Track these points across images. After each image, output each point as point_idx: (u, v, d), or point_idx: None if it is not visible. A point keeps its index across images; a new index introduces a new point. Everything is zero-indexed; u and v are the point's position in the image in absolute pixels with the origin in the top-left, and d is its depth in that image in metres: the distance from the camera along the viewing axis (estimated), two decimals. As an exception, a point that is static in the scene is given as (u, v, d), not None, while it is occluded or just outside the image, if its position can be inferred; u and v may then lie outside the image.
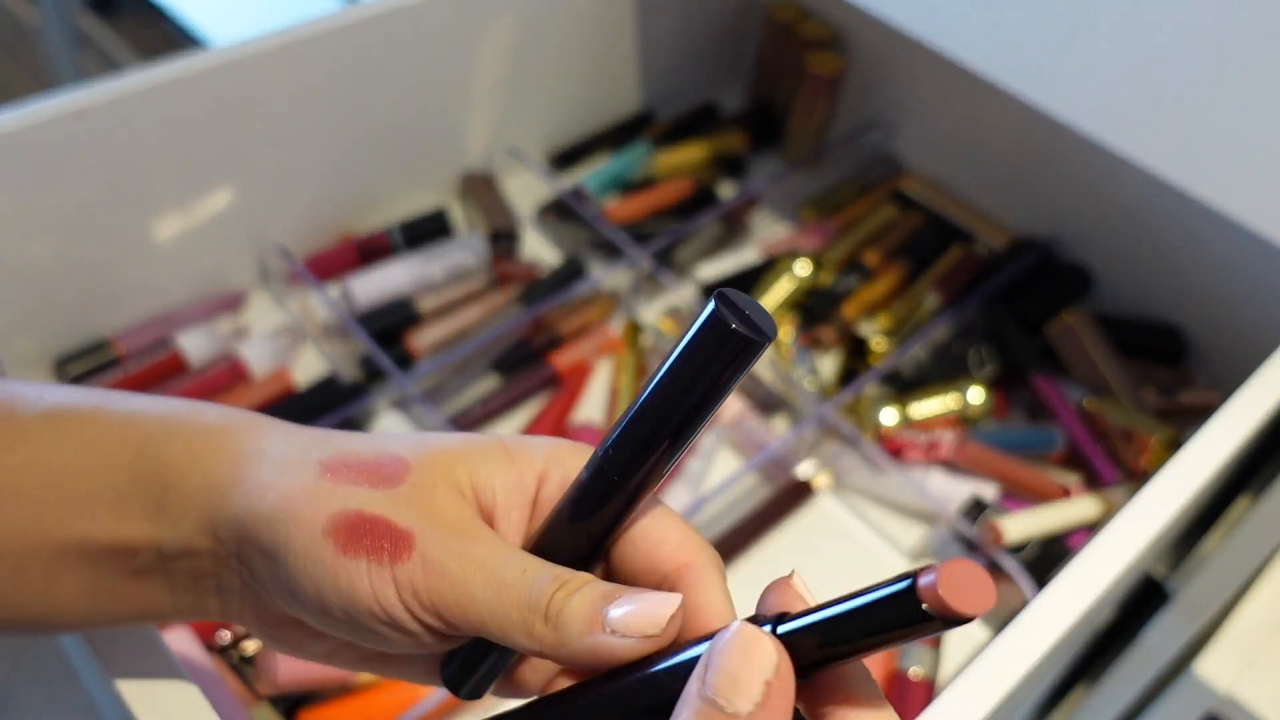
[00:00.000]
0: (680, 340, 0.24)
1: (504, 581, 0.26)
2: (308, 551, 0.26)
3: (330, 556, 0.26)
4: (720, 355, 0.24)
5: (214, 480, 0.28)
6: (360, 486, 0.27)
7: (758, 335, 0.23)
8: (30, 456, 0.28)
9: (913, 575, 0.21)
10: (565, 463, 0.29)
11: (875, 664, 0.56)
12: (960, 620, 0.20)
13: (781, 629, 0.23)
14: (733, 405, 0.67)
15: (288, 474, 0.28)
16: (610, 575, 0.29)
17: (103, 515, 0.28)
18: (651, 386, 0.25)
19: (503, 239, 0.72)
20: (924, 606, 0.20)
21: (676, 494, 0.62)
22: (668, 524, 0.28)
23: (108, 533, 0.28)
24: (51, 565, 0.29)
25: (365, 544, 0.26)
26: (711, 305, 0.23)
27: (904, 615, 0.21)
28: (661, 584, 0.28)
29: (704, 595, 0.27)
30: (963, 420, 0.67)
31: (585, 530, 0.27)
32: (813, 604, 0.23)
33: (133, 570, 0.29)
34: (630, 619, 0.25)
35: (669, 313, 0.72)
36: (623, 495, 0.27)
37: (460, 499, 0.28)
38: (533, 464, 0.29)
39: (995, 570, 0.59)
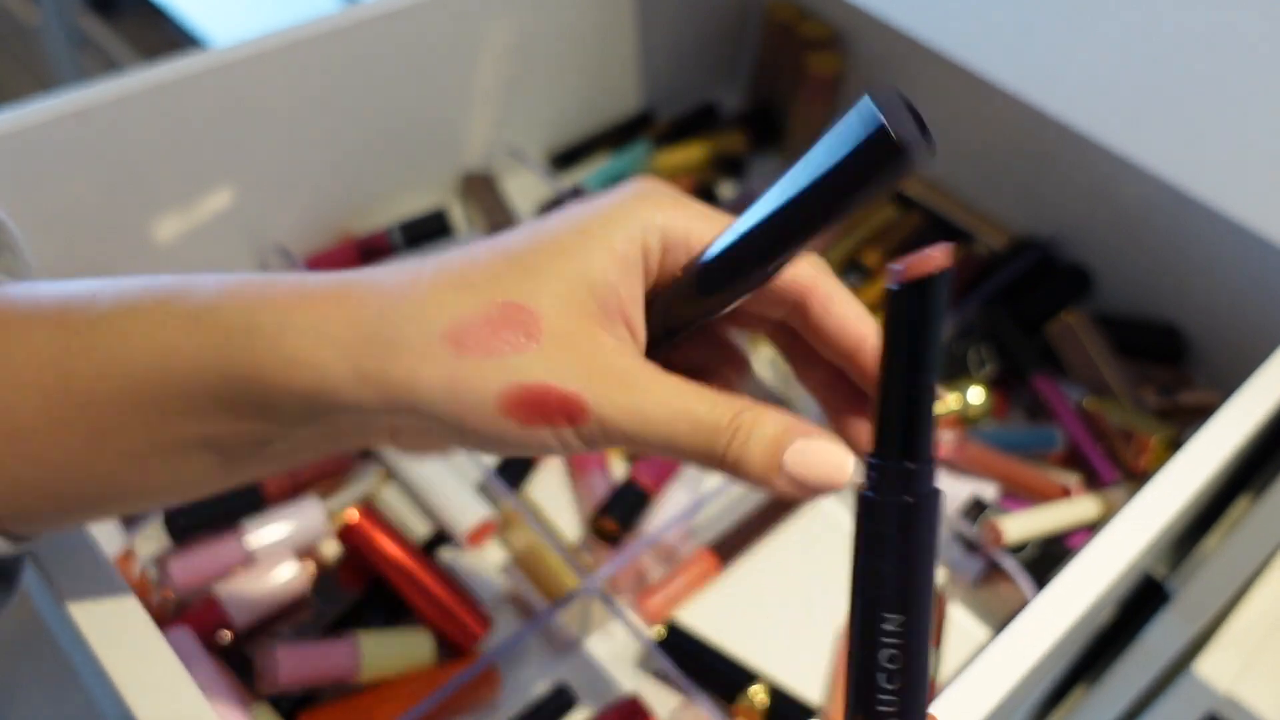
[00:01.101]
0: (833, 137, 0.23)
1: (677, 436, 0.27)
2: (487, 428, 0.27)
3: (515, 430, 0.27)
4: (880, 167, 0.22)
5: (334, 384, 0.27)
6: (506, 356, 0.27)
7: (923, 139, 0.22)
8: (109, 361, 0.27)
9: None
10: (655, 219, 0.29)
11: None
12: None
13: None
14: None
15: (426, 362, 0.27)
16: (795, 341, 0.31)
17: (211, 416, 0.28)
18: (805, 181, 0.24)
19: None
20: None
21: (676, 494, 0.62)
22: (850, 303, 0.30)
23: (225, 429, 0.28)
24: (174, 461, 0.28)
25: (543, 415, 0.27)
26: (873, 114, 0.22)
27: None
28: (795, 308, 0.30)
29: (840, 310, 0.29)
30: (962, 420, 0.67)
31: (718, 299, 0.28)
32: None
33: (261, 443, 0.29)
34: (805, 476, 0.26)
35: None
36: (764, 271, 0.27)
37: (596, 326, 0.28)
38: (629, 237, 0.29)
39: (995, 570, 0.59)
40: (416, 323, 0.27)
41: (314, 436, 0.31)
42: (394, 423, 0.31)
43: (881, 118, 0.21)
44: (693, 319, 0.29)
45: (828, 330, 0.30)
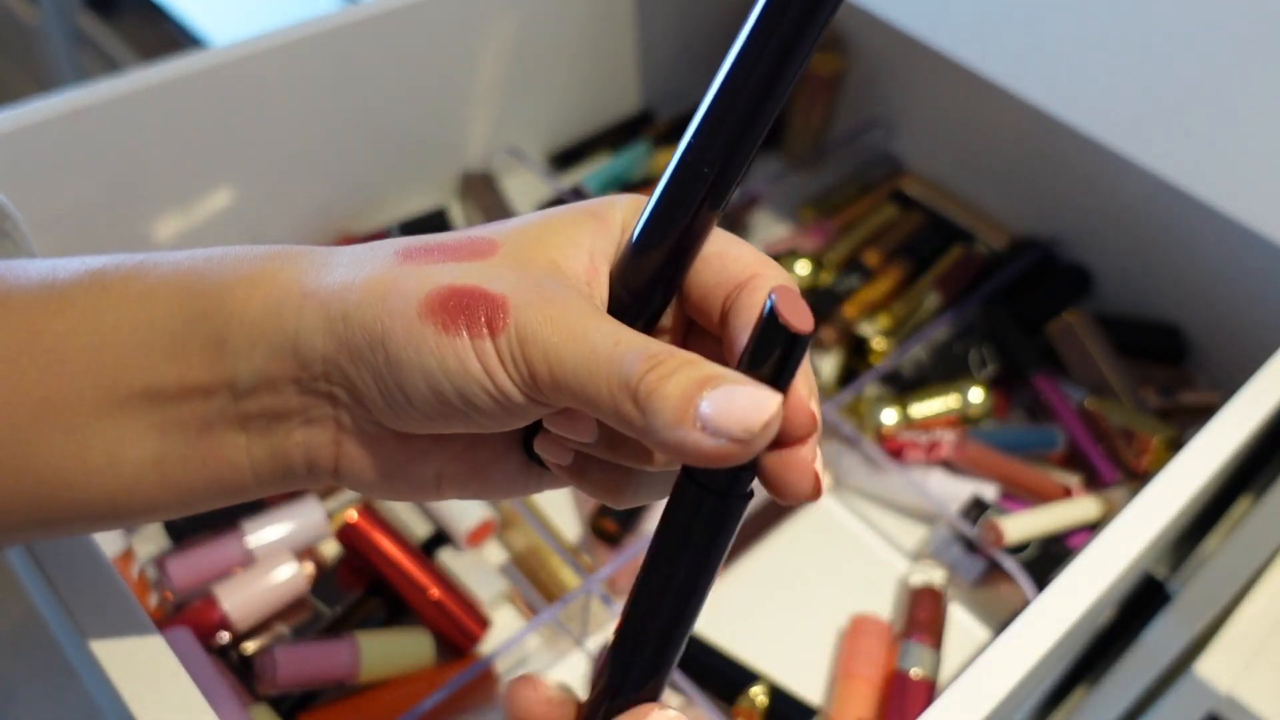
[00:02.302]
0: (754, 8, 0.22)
1: (594, 351, 0.24)
2: (409, 339, 0.25)
3: (433, 338, 0.25)
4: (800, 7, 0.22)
5: (280, 300, 0.26)
6: (448, 263, 0.26)
7: None
8: (78, 319, 0.27)
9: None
10: (639, 207, 0.28)
11: (876, 665, 0.56)
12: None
13: None
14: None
15: (366, 268, 0.26)
16: (686, 309, 0.28)
17: (160, 364, 0.26)
18: (728, 64, 0.23)
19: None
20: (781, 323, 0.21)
21: (676, 494, 0.62)
22: (736, 243, 0.27)
23: (172, 379, 0.27)
24: (114, 429, 0.27)
25: (463, 318, 0.25)
26: None
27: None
28: (730, 294, 0.27)
29: (733, 249, 0.27)
30: (963, 420, 0.67)
31: (659, 251, 0.26)
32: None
33: (203, 425, 0.27)
34: (722, 417, 0.22)
35: (669, 313, 0.72)
36: (699, 196, 0.25)
37: (552, 265, 0.26)
38: (617, 215, 0.28)
39: (996, 570, 0.59)
40: (373, 247, 0.27)
41: (253, 412, 0.27)
42: (332, 372, 0.26)
43: None
44: (641, 282, 0.27)
45: (752, 309, 0.27)
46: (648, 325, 0.28)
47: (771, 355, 0.23)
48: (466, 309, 0.25)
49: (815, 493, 0.25)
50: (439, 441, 0.28)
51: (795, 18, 0.22)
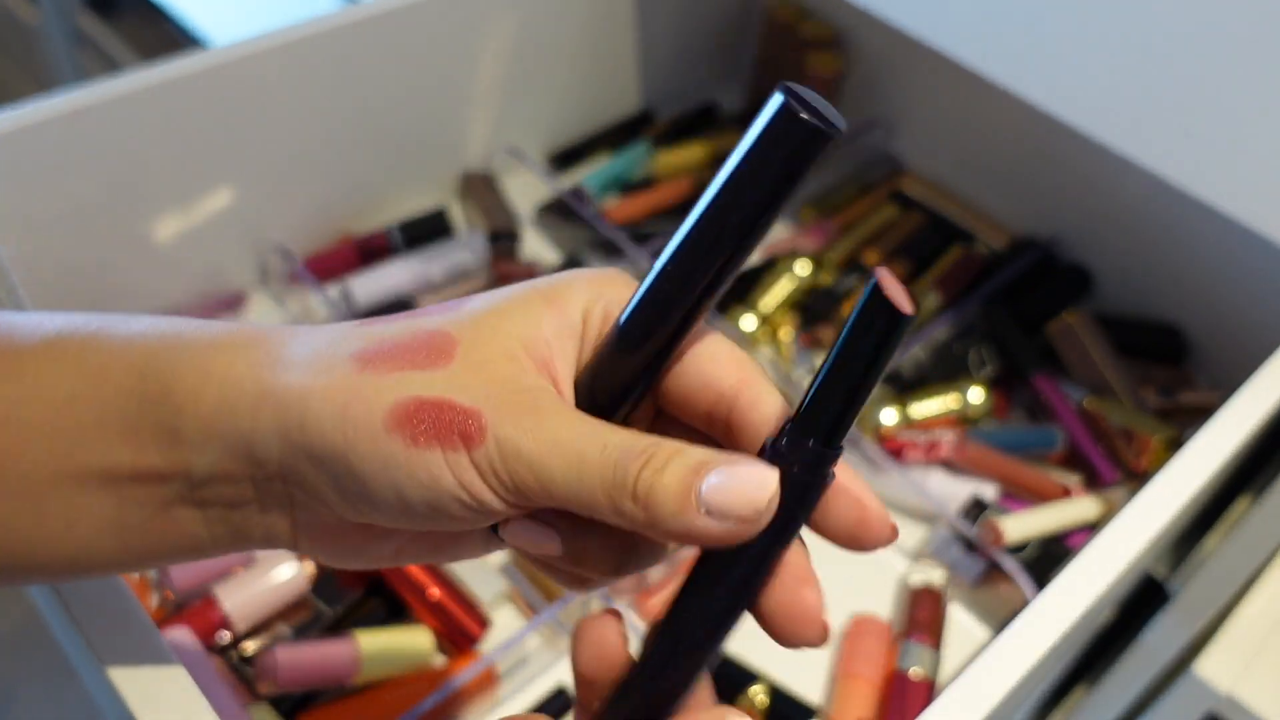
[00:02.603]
0: (746, 135, 0.23)
1: (585, 460, 0.24)
2: (374, 453, 0.24)
3: (402, 452, 0.24)
4: (789, 147, 0.23)
5: (234, 398, 0.26)
6: (408, 371, 0.25)
7: (828, 126, 0.22)
8: (32, 387, 0.26)
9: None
10: (605, 293, 0.28)
11: (876, 665, 0.56)
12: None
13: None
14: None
15: (324, 375, 0.25)
16: (661, 403, 0.28)
17: (116, 445, 0.26)
18: (718, 186, 0.24)
19: (503, 239, 0.72)
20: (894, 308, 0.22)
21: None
22: (716, 342, 0.27)
23: (127, 462, 0.26)
24: (71, 499, 0.27)
25: (434, 433, 0.24)
26: (779, 97, 0.23)
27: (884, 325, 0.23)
28: (718, 403, 0.27)
29: (766, 412, 0.26)
30: (963, 420, 0.67)
31: (641, 353, 0.26)
32: None
33: (161, 502, 0.27)
34: (726, 499, 0.23)
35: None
36: (685, 308, 0.25)
37: (515, 363, 0.26)
38: (575, 301, 0.27)
39: (995, 570, 0.59)
40: (331, 345, 0.26)
41: (209, 499, 0.27)
42: (288, 474, 0.26)
43: (784, 98, 0.22)
44: (619, 384, 0.27)
45: (753, 426, 0.27)
46: (624, 418, 0.28)
47: (871, 334, 0.23)
48: (436, 422, 0.24)
49: (823, 637, 0.27)
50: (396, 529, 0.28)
51: (785, 166, 0.23)
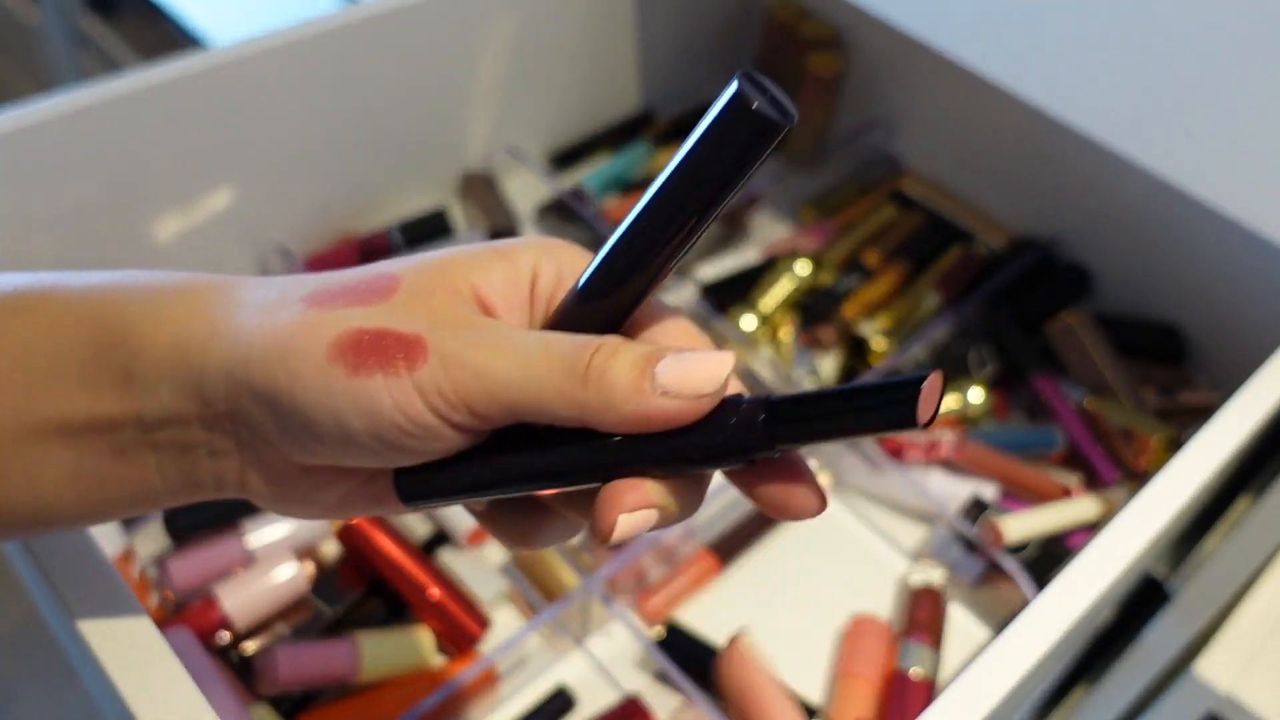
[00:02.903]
0: (703, 119, 0.24)
1: (530, 356, 0.25)
2: (316, 383, 0.25)
3: (343, 381, 0.25)
4: (741, 136, 0.23)
5: (186, 338, 0.26)
6: (353, 308, 0.26)
7: (781, 116, 0.23)
8: None
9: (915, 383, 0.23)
10: (558, 256, 0.28)
11: (876, 665, 0.56)
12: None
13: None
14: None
15: (272, 314, 0.26)
16: None
17: (73, 392, 0.27)
18: (672, 169, 0.25)
19: (502, 238, 0.72)
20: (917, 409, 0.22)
21: (676, 494, 0.62)
22: (673, 321, 0.28)
23: (83, 410, 0.27)
24: (31, 452, 0.27)
25: (375, 359, 0.25)
26: (735, 85, 0.23)
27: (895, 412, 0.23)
28: None
29: (669, 324, 0.28)
30: (963, 420, 0.67)
31: (601, 309, 0.27)
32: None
33: (116, 449, 0.28)
34: (683, 377, 0.24)
35: (669, 313, 0.72)
36: (638, 284, 0.26)
37: (458, 298, 0.26)
38: (526, 257, 0.28)
39: (995, 570, 0.59)
40: (282, 290, 0.27)
41: (162, 442, 0.28)
42: (236, 412, 0.27)
43: (740, 86, 0.23)
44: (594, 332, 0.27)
45: None
46: None
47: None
48: (377, 349, 0.25)
49: (821, 506, 0.27)
50: (341, 472, 0.28)
51: (737, 154, 0.24)
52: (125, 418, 0.27)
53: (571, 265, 0.28)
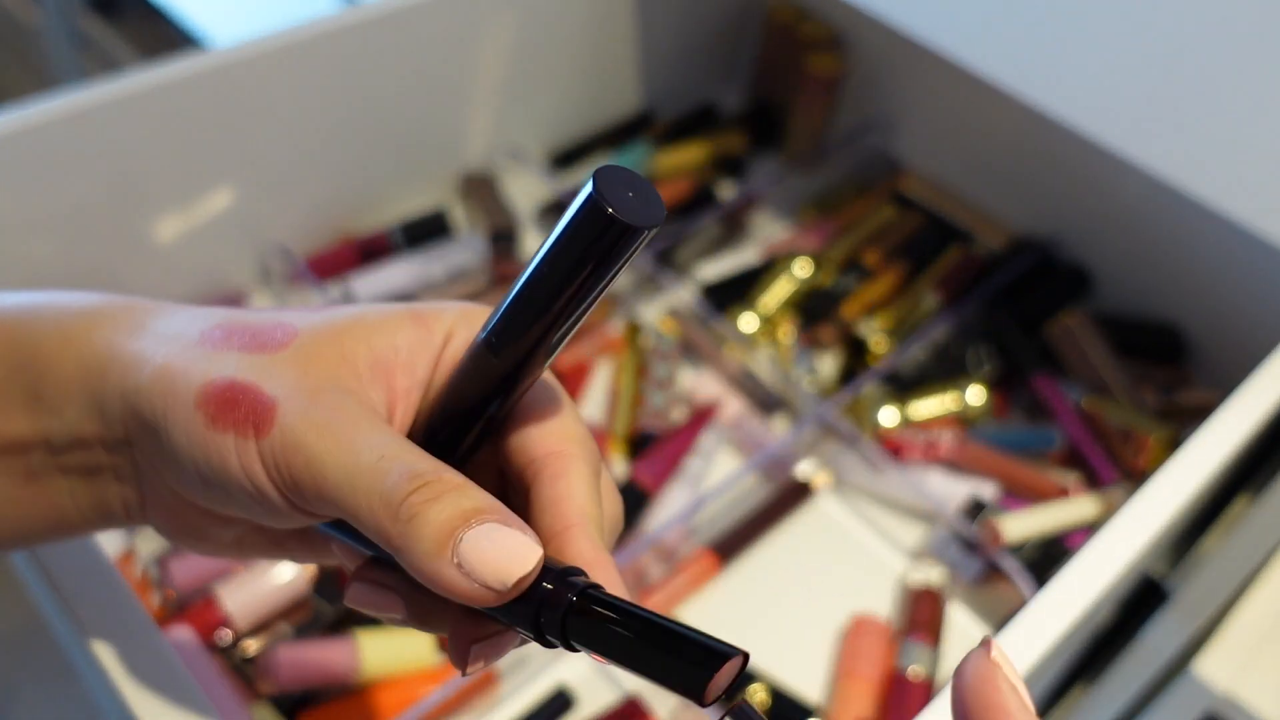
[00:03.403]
0: (560, 221, 0.22)
1: (358, 463, 0.23)
2: (182, 425, 0.25)
3: (201, 430, 0.25)
4: (598, 242, 0.21)
5: (90, 359, 0.26)
6: (235, 353, 0.25)
7: (637, 220, 0.21)
8: None
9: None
10: (474, 322, 0.28)
11: (876, 664, 0.56)
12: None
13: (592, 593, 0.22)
14: (733, 405, 0.67)
15: (167, 345, 0.26)
16: (498, 450, 0.28)
17: None
18: (529, 271, 0.23)
19: (503, 239, 0.72)
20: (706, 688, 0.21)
21: (676, 493, 0.62)
22: (553, 409, 0.27)
23: None
24: None
25: (231, 416, 0.24)
26: (589, 186, 0.21)
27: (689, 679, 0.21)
28: (526, 469, 0.26)
29: (564, 489, 0.26)
30: (962, 420, 0.67)
31: (468, 410, 0.26)
32: (1011, 678, 0.21)
33: (27, 473, 0.28)
34: (478, 562, 0.22)
35: (669, 313, 0.72)
36: (501, 380, 0.25)
37: (344, 364, 0.26)
38: (440, 321, 0.28)
39: (994, 570, 0.59)
40: (191, 320, 0.27)
41: (70, 465, 0.28)
42: (131, 438, 0.27)
43: (594, 190, 0.21)
44: (451, 427, 0.26)
45: (552, 504, 0.26)
46: (472, 447, 0.27)
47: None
48: (234, 406, 0.25)
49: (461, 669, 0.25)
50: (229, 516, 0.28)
51: (595, 261, 0.22)
52: (34, 439, 0.27)
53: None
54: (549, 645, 0.23)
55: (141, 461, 0.27)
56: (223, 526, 0.28)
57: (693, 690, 0.21)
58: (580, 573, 0.23)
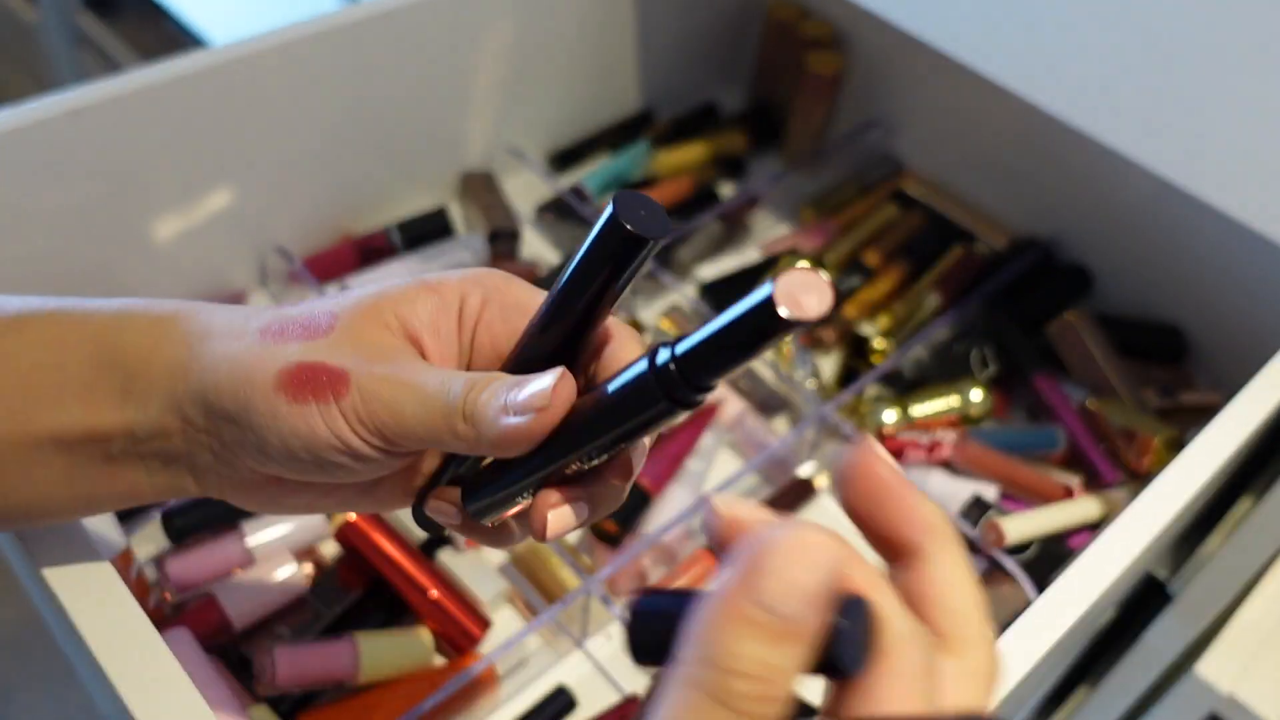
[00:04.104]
0: (585, 238, 0.28)
1: (427, 394, 0.29)
2: (265, 409, 0.29)
3: (285, 408, 0.29)
4: (613, 248, 0.27)
5: (173, 362, 0.31)
6: (296, 342, 0.30)
7: (647, 232, 0.27)
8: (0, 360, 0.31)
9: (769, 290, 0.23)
10: (483, 282, 0.32)
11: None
12: (804, 323, 0.23)
13: (680, 349, 0.25)
14: (733, 406, 0.67)
15: (235, 344, 0.30)
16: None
17: (73, 406, 0.31)
18: (566, 274, 0.29)
19: (502, 238, 0.72)
20: (780, 311, 0.22)
21: (677, 495, 0.62)
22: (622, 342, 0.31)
23: (80, 422, 0.31)
24: (29, 457, 0.31)
25: (310, 389, 0.29)
26: (609, 208, 0.27)
27: (765, 323, 0.23)
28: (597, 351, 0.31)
29: (622, 350, 0.31)
30: (963, 420, 0.66)
31: (542, 349, 0.31)
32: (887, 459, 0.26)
33: (108, 456, 0.31)
34: (522, 399, 0.28)
35: (669, 312, 0.72)
36: (549, 356, 0.30)
37: (385, 331, 0.31)
38: (450, 287, 0.32)
39: (996, 570, 0.59)
40: (244, 319, 0.31)
41: (149, 452, 0.32)
42: (210, 428, 0.31)
43: (612, 209, 0.27)
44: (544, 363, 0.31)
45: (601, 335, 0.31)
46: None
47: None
48: (312, 381, 0.29)
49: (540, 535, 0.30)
50: (302, 483, 0.32)
51: (614, 268, 0.28)
52: (118, 430, 0.31)
53: (496, 289, 0.32)
54: (688, 402, 0.26)
55: (220, 449, 0.31)
56: (295, 494, 0.33)
57: (772, 315, 0.23)
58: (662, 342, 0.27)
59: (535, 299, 0.32)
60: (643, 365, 0.26)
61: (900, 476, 0.25)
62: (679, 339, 0.26)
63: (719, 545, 0.24)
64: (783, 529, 0.21)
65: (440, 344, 0.32)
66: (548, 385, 0.28)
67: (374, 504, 0.34)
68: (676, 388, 0.25)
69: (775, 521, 0.23)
